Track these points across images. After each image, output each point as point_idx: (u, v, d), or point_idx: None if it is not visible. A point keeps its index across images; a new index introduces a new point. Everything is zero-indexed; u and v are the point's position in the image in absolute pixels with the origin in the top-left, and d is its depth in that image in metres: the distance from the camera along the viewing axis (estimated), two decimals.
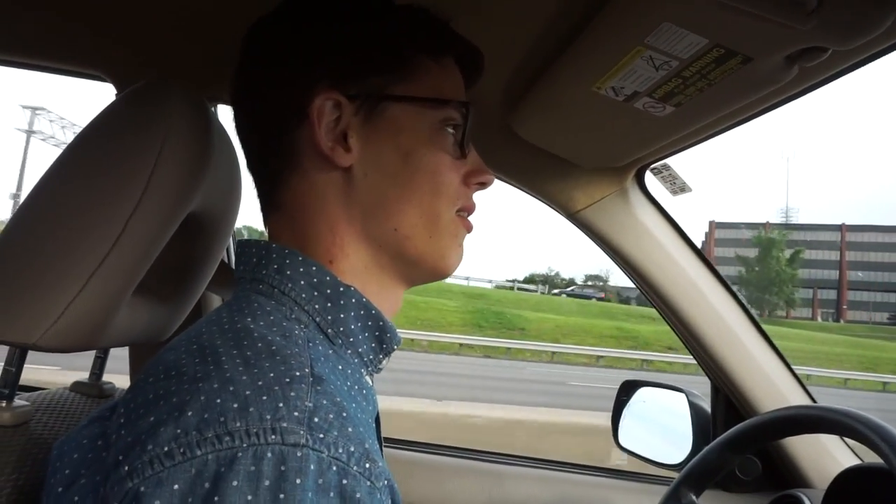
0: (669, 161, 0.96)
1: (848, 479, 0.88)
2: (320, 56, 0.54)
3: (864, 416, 0.71)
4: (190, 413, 0.38)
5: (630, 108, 0.72)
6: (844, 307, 71.54)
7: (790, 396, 1.06)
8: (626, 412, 1.32)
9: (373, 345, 0.54)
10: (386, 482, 0.42)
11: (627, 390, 1.34)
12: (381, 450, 0.59)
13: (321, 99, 0.53)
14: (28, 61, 0.92)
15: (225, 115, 0.86)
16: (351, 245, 0.55)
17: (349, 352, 0.52)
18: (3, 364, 0.56)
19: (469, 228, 0.60)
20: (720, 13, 0.53)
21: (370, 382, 0.55)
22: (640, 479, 1.25)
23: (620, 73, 0.66)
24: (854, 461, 1.04)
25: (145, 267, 0.56)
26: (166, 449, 0.37)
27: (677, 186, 1.00)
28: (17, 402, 0.56)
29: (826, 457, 1.06)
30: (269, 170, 0.57)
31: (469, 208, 0.60)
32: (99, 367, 0.72)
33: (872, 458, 0.83)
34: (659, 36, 0.58)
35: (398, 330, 0.57)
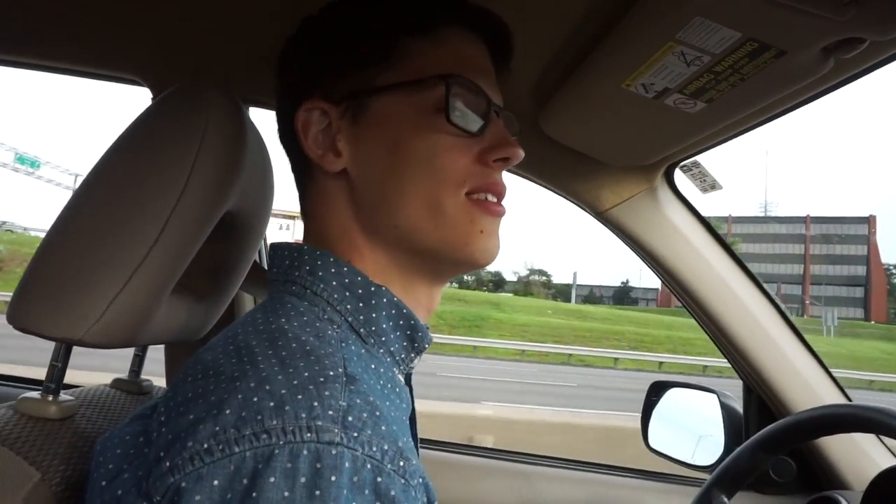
0: (700, 158, 0.95)
1: (887, 480, 0.86)
2: (307, 74, 0.58)
3: None
4: (228, 411, 0.39)
5: (660, 105, 0.72)
6: (808, 302, 68.84)
7: (825, 395, 1.04)
8: (655, 413, 1.31)
9: (404, 344, 0.54)
10: (420, 480, 0.42)
11: (657, 391, 1.32)
12: (417, 448, 0.59)
13: (304, 111, 0.55)
14: (65, 66, 0.95)
15: (257, 116, 0.88)
16: (366, 247, 0.55)
17: (381, 351, 0.53)
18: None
19: (492, 212, 0.55)
20: (754, 6, 0.52)
21: (403, 381, 0.56)
22: (671, 480, 1.24)
23: (651, 69, 0.66)
24: (893, 461, 1.01)
25: (184, 265, 0.58)
26: (206, 446, 0.38)
27: (707, 184, 0.99)
28: (63, 396, 0.57)
29: (863, 457, 1.04)
30: (296, 180, 0.61)
31: (486, 187, 0.55)
32: (138, 364, 0.74)
33: None
34: (691, 31, 0.58)
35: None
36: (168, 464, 0.39)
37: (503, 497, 1.16)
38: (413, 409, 0.59)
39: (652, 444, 1.27)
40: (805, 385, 1.05)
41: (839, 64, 0.60)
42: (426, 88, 0.54)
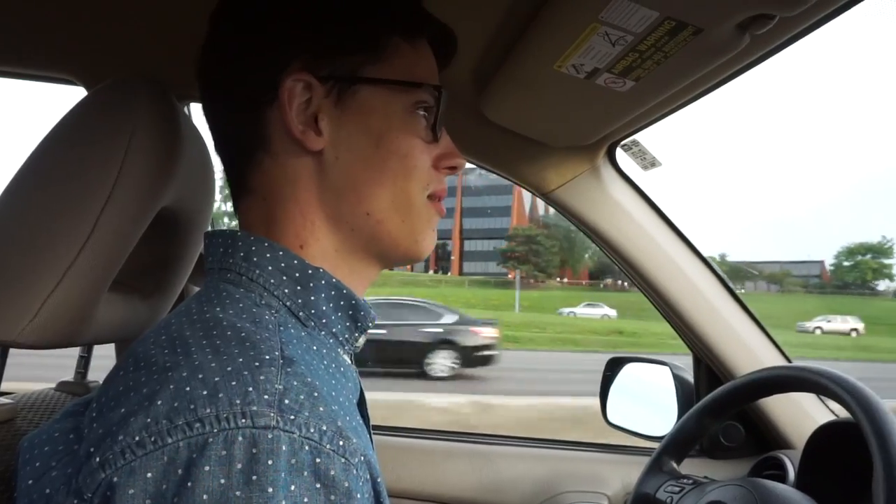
0: (638, 137, 0.98)
1: (823, 436, 0.90)
2: (292, 35, 0.54)
3: (831, 372, 0.73)
4: (160, 402, 0.39)
5: (592, 84, 0.74)
6: (455, 259, 64.24)
7: (766, 360, 1.09)
8: (612, 388, 1.34)
9: (347, 324, 0.55)
10: (362, 458, 0.42)
11: (613, 367, 1.36)
12: (369, 426, 0.60)
13: (291, 80, 0.52)
14: None
15: (197, 113, 0.87)
16: (322, 229, 0.55)
17: (323, 333, 0.53)
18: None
19: (441, 213, 0.60)
20: None
21: (348, 361, 0.56)
22: (629, 451, 1.28)
23: (579, 50, 0.67)
24: (829, 418, 1.07)
25: (120, 261, 0.57)
26: (137, 438, 0.38)
27: (647, 161, 1.02)
28: (1, 400, 0.57)
29: (804, 416, 1.09)
30: (239, 152, 0.56)
31: (440, 193, 0.60)
32: (84, 365, 0.74)
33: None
34: (612, 11, 0.60)
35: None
36: (98, 459, 0.38)
37: (464, 478, 1.18)
38: (361, 389, 0.60)
39: (610, 419, 1.31)
40: (747, 351, 1.09)
41: (755, 40, 0.63)
42: (412, 90, 0.56)
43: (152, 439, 0.38)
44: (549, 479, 1.19)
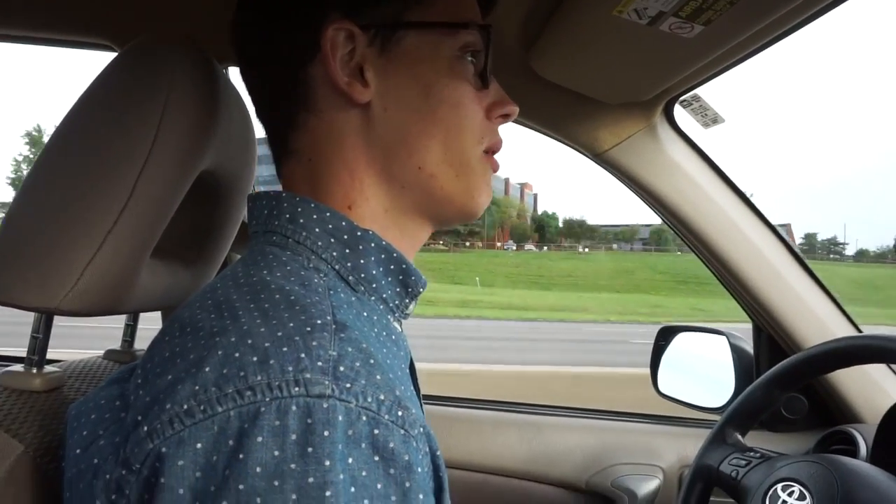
0: (700, 91, 0.91)
1: None
2: None
3: None
4: (207, 368, 0.37)
5: (656, 31, 0.68)
6: None
7: (836, 330, 1.02)
8: (664, 358, 1.30)
9: (397, 289, 0.52)
10: (422, 429, 0.40)
11: (665, 336, 1.31)
12: (420, 397, 0.58)
13: (333, 30, 0.49)
14: (29, 34, 0.91)
15: (238, 77, 0.84)
16: (372, 188, 0.52)
17: (373, 298, 0.50)
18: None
19: (495, 168, 0.57)
20: None
21: (399, 328, 0.54)
22: (683, 423, 1.24)
23: None
24: None
25: (160, 227, 0.56)
26: (185, 407, 0.36)
27: (709, 118, 0.95)
28: (49, 368, 0.56)
29: (876, 389, 1.03)
30: (281, 113, 0.54)
31: (495, 146, 0.56)
32: (130, 333, 0.73)
33: None
34: None
35: None
36: (146, 428, 0.37)
37: (514, 449, 1.16)
38: (411, 359, 0.58)
39: (662, 389, 1.27)
40: (816, 320, 1.03)
41: None
42: (457, 33, 0.52)
43: (201, 408, 0.36)
44: (600, 451, 1.16)
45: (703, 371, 1.28)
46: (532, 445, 1.16)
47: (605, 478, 1.13)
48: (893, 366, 1.06)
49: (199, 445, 0.35)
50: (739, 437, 0.88)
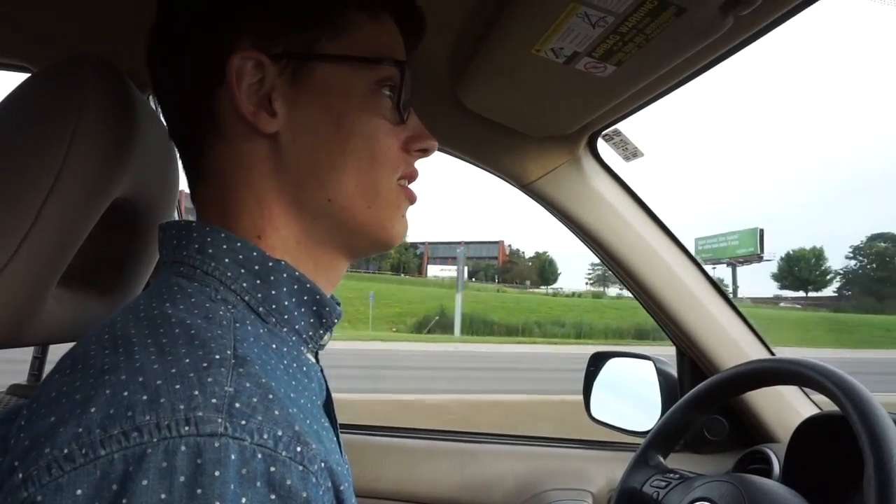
0: (620, 126, 0.96)
1: (809, 430, 0.89)
2: (239, 11, 0.50)
3: (818, 365, 0.71)
4: (93, 409, 0.35)
5: (572, 70, 0.71)
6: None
7: (751, 353, 1.08)
8: (596, 384, 1.33)
9: (311, 320, 0.51)
10: (322, 465, 0.39)
11: (596, 362, 1.34)
12: (336, 429, 0.57)
13: (239, 58, 0.49)
14: None
15: None
16: (281, 218, 0.51)
17: (285, 329, 0.49)
18: None
19: (412, 199, 0.57)
20: None
21: (312, 360, 0.53)
22: (613, 447, 1.26)
23: (558, 32, 0.65)
24: (814, 411, 1.06)
25: (68, 256, 0.54)
26: (66, 451, 0.34)
27: (629, 152, 1.00)
28: None
29: (789, 410, 1.08)
30: (190, 136, 0.53)
31: (411, 175, 0.57)
32: (38, 367, 0.70)
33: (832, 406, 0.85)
34: None
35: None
36: (21, 475, 0.34)
37: (447, 477, 1.15)
38: (327, 388, 0.57)
39: (594, 414, 1.29)
40: (732, 344, 1.08)
41: (739, 21, 0.61)
42: (373, 67, 0.52)
43: (83, 451, 0.34)
44: (532, 477, 1.16)
45: (633, 395, 1.31)
46: (464, 473, 1.16)
47: None
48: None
49: (78, 492, 0.33)
50: (661, 458, 0.90)
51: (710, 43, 0.64)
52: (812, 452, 0.89)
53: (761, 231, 59.51)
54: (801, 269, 78.14)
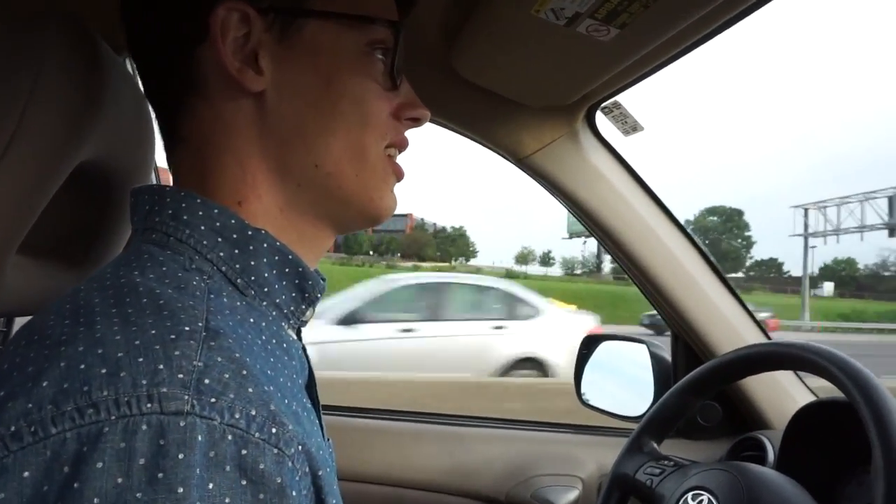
0: (619, 98, 0.92)
1: (806, 417, 0.87)
2: None
3: (822, 349, 0.68)
4: (45, 383, 0.32)
5: (573, 32, 0.67)
6: None
7: (748, 337, 1.05)
8: (588, 367, 1.30)
9: (293, 294, 0.48)
10: (300, 447, 0.36)
11: (588, 345, 1.31)
12: (319, 410, 0.54)
13: (225, 10, 0.45)
14: None
15: None
16: (264, 184, 0.48)
17: (265, 303, 0.46)
18: None
19: (399, 175, 0.54)
20: None
21: (293, 336, 0.49)
22: (604, 432, 1.24)
23: None
24: (810, 398, 1.03)
25: (26, 223, 0.49)
26: (13, 429, 0.31)
27: (629, 126, 0.96)
28: None
29: (784, 396, 1.06)
30: (168, 96, 0.49)
31: (400, 144, 0.53)
32: (1, 340, 0.65)
33: (827, 394, 0.82)
34: None
35: None
36: None
37: (435, 461, 1.12)
38: (310, 367, 0.53)
39: (585, 399, 1.27)
40: (729, 328, 1.05)
41: None
42: (365, 27, 0.49)
43: (32, 429, 0.30)
44: (521, 462, 1.14)
45: (625, 380, 1.29)
46: (453, 457, 1.13)
47: (526, 489, 1.11)
48: (800, 373, 1.09)
49: (25, 474, 0.30)
50: (655, 445, 0.87)
51: (721, 4, 0.60)
52: (808, 440, 0.87)
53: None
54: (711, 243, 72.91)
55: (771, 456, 0.92)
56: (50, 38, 0.49)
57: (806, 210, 36.07)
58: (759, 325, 1.08)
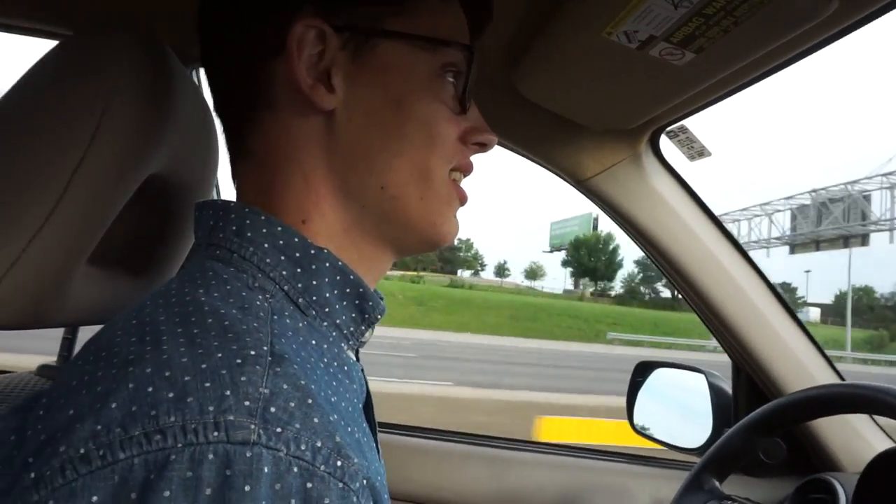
0: (687, 122, 0.89)
1: (886, 463, 0.81)
2: None
3: None
4: (114, 405, 0.32)
5: (645, 56, 0.65)
6: None
7: (818, 376, 0.99)
8: (641, 394, 1.27)
9: (353, 315, 0.47)
10: (365, 482, 0.35)
11: (643, 371, 1.28)
12: (375, 433, 0.53)
13: (302, 26, 0.45)
14: None
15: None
16: (329, 202, 0.48)
17: (325, 324, 0.45)
18: None
19: (463, 199, 0.53)
20: None
21: (353, 357, 0.49)
22: (659, 464, 1.19)
23: (634, 13, 0.59)
24: (888, 444, 0.97)
25: (98, 232, 0.50)
26: (82, 451, 0.30)
27: (695, 150, 0.92)
28: None
29: (857, 438, 1.00)
30: (238, 109, 0.49)
31: (465, 168, 0.53)
32: (67, 348, 0.67)
33: None
34: None
35: None
36: (34, 475, 0.31)
37: (482, 484, 1.10)
38: (367, 388, 0.53)
39: (637, 426, 1.23)
40: (797, 364, 1.00)
41: (843, 6, 0.54)
42: (439, 50, 0.49)
43: (101, 453, 0.30)
44: (572, 490, 1.11)
45: (680, 409, 1.24)
46: (501, 481, 1.11)
47: None
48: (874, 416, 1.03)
49: (94, 498, 0.29)
50: (717, 483, 0.84)
51: (805, 30, 0.57)
52: (884, 488, 0.81)
53: (595, 217, 55.97)
54: (582, 257, 66.77)
55: (843, 500, 0.86)
56: (123, 51, 0.51)
57: None
58: (831, 363, 1.02)
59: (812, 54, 0.66)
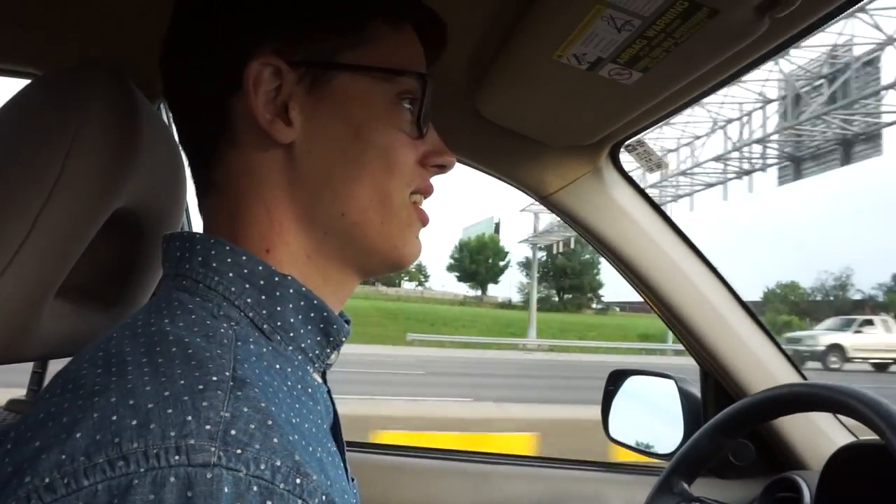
0: (643, 136, 0.92)
1: (844, 458, 0.84)
2: (259, 17, 0.49)
3: (859, 392, 0.67)
4: (79, 434, 0.33)
5: (595, 77, 0.68)
6: None
7: (780, 376, 1.02)
8: (615, 403, 1.29)
9: (318, 338, 0.48)
10: (324, 498, 0.36)
11: (615, 380, 1.30)
12: (343, 453, 0.54)
13: (258, 64, 0.47)
14: None
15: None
16: (291, 231, 0.49)
17: (290, 348, 0.47)
18: None
19: (424, 221, 0.55)
20: None
21: (319, 380, 0.50)
22: (632, 470, 1.21)
23: (581, 37, 0.62)
24: (849, 439, 1.00)
25: (65, 266, 0.51)
26: (47, 480, 0.31)
27: (653, 163, 0.96)
28: None
29: (820, 436, 1.03)
30: (201, 143, 0.51)
31: (425, 190, 0.55)
32: (37, 382, 0.67)
33: (867, 434, 0.80)
34: None
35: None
36: None
37: (461, 499, 1.11)
38: (335, 411, 0.54)
39: (612, 434, 1.25)
40: (760, 366, 1.03)
41: (775, 24, 0.57)
42: (394, 79, 0.51)
43: (65, 481, 0.31)
44: (548, 500, 1.12)
45: (653, 416, 1.27)
46: (478, 495, 1.12)
47: None
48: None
49: None
50: (686, 485, 0.86)
51: (743, 47, 0.60)
52: (845, 482, 0.84)
53: (497, 222, 54.72)
54: (463, 259, 62.04)
55: (807, 498, 0.89)
56: (90, 88, 0.52)
57: (536, 214, 31.98)
58: (793, 363, 1.06)
59: (752, 71, 0.70)
